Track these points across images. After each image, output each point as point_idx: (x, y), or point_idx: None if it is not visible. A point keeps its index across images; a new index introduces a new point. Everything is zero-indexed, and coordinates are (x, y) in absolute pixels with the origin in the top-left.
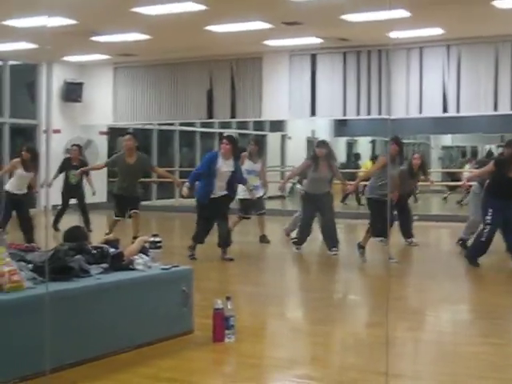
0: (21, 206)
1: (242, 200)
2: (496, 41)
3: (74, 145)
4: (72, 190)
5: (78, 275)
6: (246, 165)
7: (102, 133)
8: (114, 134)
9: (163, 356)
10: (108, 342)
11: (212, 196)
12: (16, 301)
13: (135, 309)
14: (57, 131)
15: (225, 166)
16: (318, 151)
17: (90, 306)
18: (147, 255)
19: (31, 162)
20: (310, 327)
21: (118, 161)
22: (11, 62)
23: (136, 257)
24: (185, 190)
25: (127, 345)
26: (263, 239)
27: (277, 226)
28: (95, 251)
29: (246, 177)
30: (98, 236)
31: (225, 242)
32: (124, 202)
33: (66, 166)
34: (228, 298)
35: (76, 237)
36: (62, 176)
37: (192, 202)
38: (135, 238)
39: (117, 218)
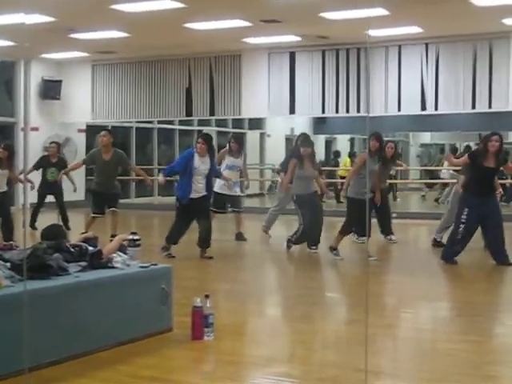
0: (1, 204)
1: (218, 194)
2: (474, 39)
3: (52, 142)
4: (50, 187)
5: (56, 273)
6: (228, 160)
7: (80, 130)
8: (92, 131)
9: (143, 354)
10: (87, 340)
11: (192, 196)
12: None
13: (114, 307)
14: (35, 129)
15: (202, 165)
16: (303, 150)
17: (69, 305)
18: (126, 253)
19: (7, 160)
20: (289, 325)
21: (95, 157)
22: None
23: (114, 255)
24: (161, 178)
25: (107, 343)
26: (239, 237)
27: (256, 224)
28: (73, 249)
29: (228, 172)
30: (76, 234)
31: (205, 242)
32: (102, 198)
33: (43, 164)
34: (207, 296)
35: (54, 235)
36: (39, 173)
37: (171, 199)
38: (113, 236)
39: (94, 215)
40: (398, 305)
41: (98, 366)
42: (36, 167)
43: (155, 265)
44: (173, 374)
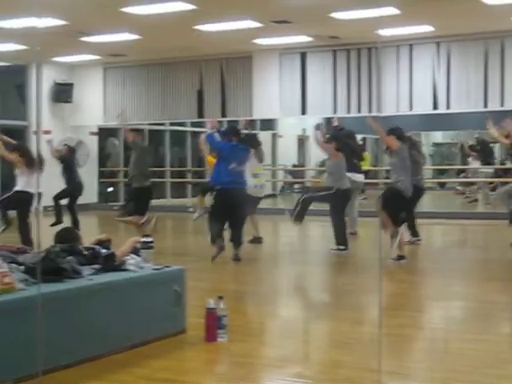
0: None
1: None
2: (485, 37)
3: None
4: None
5: (69, 276)
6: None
7: (92, 133)
8: (104, 134)
9: (157, 356)
10: (101, 343)
11: None
12: (8, 303)
13: (128, 309)
14: (47, 132)
15: None
16: None
17: (83, 307)
18: (139, 255)
19: None
20: (303, 326)
21: None
22: (0, 64)
23: (128, 257)
24: None
25: (120, 345)
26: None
27: (269, 225)
28: (87, 252)
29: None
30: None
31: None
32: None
33: None
34: (220, 298)
35: (68, 238)
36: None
37: (183, 201)
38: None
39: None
40: (412, 304)
41: (112, 368)
42: None
43: (168, 267)
44: (187, 375)
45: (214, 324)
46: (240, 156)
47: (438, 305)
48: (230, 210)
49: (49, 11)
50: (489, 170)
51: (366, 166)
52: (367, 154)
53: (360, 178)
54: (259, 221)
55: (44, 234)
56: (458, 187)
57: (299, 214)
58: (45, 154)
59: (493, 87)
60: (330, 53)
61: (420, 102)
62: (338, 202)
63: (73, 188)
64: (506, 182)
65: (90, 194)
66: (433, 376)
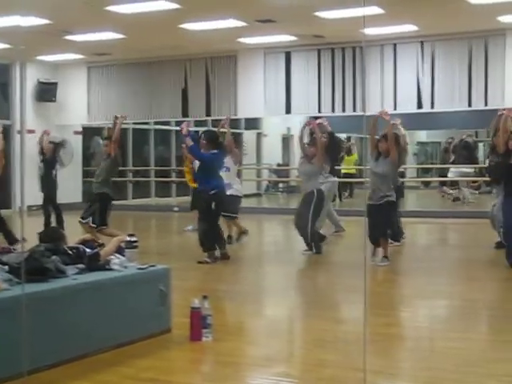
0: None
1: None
2: (469, 36)
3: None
4: None
5: (54, 276)
6: None
7: (76, 132)
8: (88, 133)
9: (142, 355)
10: (86, 343)
11: None
12: None
13: (112, 309)
14: (31, 131)
15: None
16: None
17: (67, 307)
18: (123, 255)
19: None
20: (287, 325)
21: None
22: None
23: (112, 257)
24: None
25: (105, 345)
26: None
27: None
28: (71, 252)
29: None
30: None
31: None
32: None
33: None
34: (205, 297)
35: (52, 237)
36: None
37: (167, 201)
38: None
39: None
40: (396, 303)
41: (98, 368)
42: None
43: (153, 266)
44: (172, 375)
45: (198, 323)
46: (220, 162)
47: (422, 303)
48: (220, 212)
49: (33, 10)
50: (469, 169)
51: (351, 165)
52: (349, 158)
53: (335, 179)
54: (243, 219)
55: (29, 233)
56: (446, 189)
57: (316, 244)
58: (32, 148)
59: (477, 86)
60: (315, 52)
61: (404, 101)
62: (319, 202)
63: (50, 188)
64: (490, 182)
65: (74, 193)
66: (417, 375)
